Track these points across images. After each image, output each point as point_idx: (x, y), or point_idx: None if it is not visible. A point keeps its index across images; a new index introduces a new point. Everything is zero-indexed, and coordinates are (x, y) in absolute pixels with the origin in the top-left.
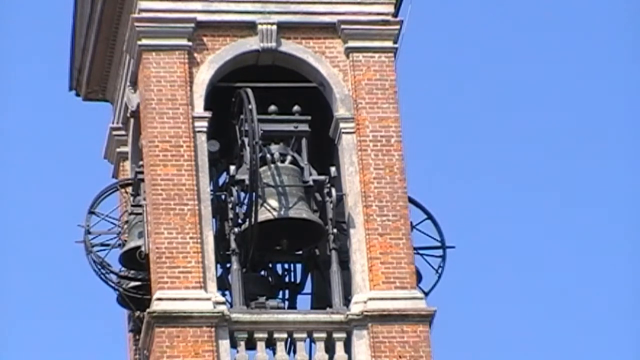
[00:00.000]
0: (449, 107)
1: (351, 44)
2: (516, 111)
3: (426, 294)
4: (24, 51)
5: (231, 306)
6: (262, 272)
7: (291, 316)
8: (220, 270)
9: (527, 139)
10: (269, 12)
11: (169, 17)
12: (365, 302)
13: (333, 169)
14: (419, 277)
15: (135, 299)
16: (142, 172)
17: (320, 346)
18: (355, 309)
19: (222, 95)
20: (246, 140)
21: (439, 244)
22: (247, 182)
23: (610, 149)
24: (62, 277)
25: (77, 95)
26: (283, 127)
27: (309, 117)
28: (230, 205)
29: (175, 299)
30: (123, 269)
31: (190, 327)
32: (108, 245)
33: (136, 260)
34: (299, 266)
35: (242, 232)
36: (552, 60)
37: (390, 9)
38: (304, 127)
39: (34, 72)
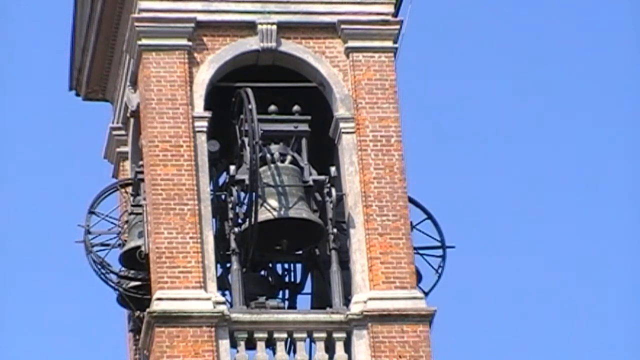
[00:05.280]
0: (449, 107)
1: (351, 43)
2: (516, 111)
3: (426, 294)
4: (24, 51)
5: (231, 306)
6: (262, 272)
7: (291, 316)
8: (220, 270)
9: (527, 139)
10: (269, 12)
11: (169, 17)
12: (365, 302)
13: (333, 169)
14: (419, 277)
15: (135, 299)
16: (142, 172)
17: (320, 346)
18: (355, 308)
19: (222, 95)
20: (246, 140)
21: (439, 244)
22: (247, 182)
23: (614, 152)
24: (62, 277)
25: (77, 95)
26: (283, 127)
27: (309, 117)
28: (230, 205)
29: (175, 299)
30: (123, 269)
31: (190, 327)
32: (108, 245)
33: (136, 260)
34: (299, 266)
35: (242, 232)
36: (552, 60)
37: (390, 9)
38: (304, 127)
39: (34, 72)
